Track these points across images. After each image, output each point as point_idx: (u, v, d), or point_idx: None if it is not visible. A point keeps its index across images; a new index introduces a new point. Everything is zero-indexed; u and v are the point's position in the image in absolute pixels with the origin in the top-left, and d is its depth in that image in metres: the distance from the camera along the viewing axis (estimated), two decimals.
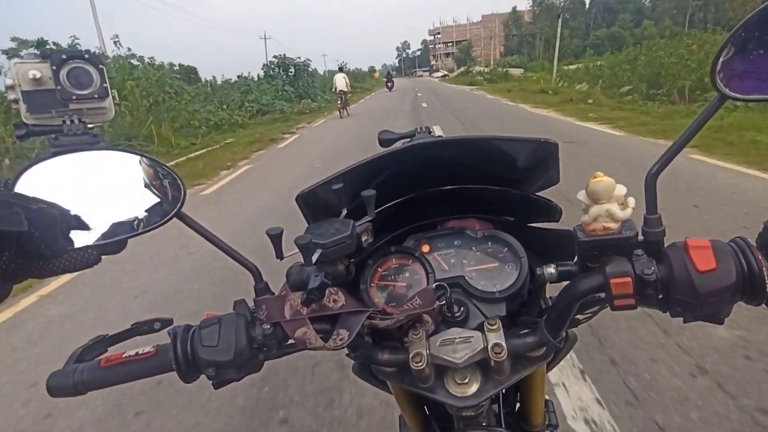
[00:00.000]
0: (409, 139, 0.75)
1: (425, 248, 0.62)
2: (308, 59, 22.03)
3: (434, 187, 0.64)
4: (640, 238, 0.45)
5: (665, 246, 0.44)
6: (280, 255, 0.49)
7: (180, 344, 0.50)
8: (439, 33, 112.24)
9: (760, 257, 0.40)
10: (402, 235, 0.65)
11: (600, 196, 0.44)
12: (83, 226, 0.44)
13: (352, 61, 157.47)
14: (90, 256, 0.40)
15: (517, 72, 32.28)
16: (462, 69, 57.30)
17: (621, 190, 0.44)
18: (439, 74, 70.57)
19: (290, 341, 0.51)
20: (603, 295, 0.44)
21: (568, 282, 0.49)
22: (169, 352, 0.50)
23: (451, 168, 0.61)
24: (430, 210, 0.66)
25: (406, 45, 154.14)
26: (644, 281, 0.41)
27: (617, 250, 0.44)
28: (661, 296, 0.43)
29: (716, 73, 0.40)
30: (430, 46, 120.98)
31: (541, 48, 51.91)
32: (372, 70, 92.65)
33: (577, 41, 64.55)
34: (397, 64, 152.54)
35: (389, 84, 29.65)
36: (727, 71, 0.40)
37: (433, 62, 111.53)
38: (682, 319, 0.43)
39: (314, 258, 0.45)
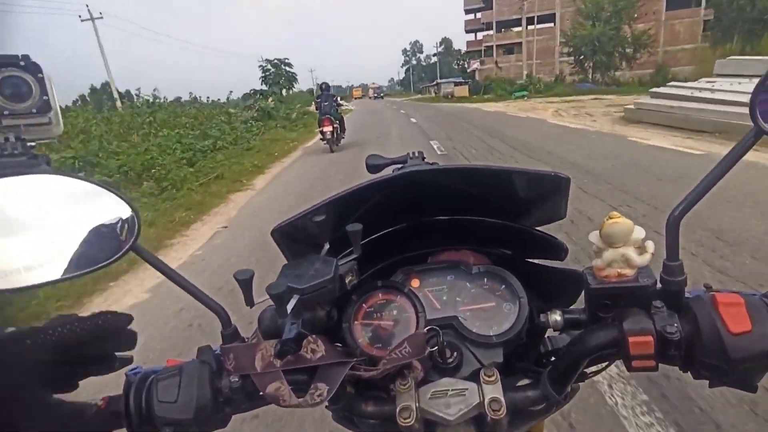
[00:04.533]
0: (400, 166, 0.69)
1: (415, 283, 0.56)
2: None
3: (425, 217, 0.58)
4: (658, 286, 0.40)
5: (687, 297, 0.39)
6: (250, 302, 0.43)
7: (133, 399, 0.43)
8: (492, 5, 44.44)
9: None
10: (389, 266, 0.59)
11: (616, 239, 0.39)
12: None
13: (353, 79, 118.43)
14: None
15: None
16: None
17: (639, 233, 0.39)
18: None
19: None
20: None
21: (575, 331, 0.44)
22: (119, 405, 0.43)
23: (444, 196, 0.55)
24: (421, 240, 0.61)
25: (417, 47, 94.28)
26: (667, 340, 0.36)
27: (633, 300, 0.39)
28: (683, 355, 0.38)
29: (755, 106, 0.35)
30: (468, 32, 54.40)
31: None
32: (351, 90, 61.87)
33: None
34: (402, 76, 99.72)
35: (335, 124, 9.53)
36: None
37: (475, 65, 49.36)
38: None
39: (289, 308, 0.39)
